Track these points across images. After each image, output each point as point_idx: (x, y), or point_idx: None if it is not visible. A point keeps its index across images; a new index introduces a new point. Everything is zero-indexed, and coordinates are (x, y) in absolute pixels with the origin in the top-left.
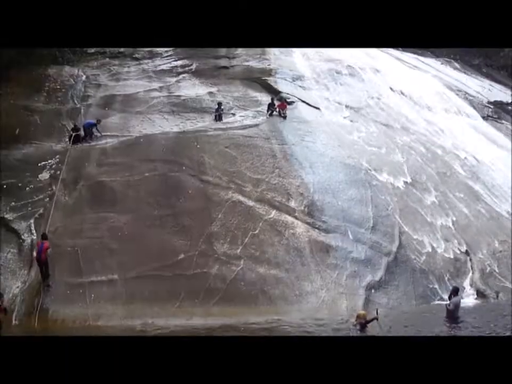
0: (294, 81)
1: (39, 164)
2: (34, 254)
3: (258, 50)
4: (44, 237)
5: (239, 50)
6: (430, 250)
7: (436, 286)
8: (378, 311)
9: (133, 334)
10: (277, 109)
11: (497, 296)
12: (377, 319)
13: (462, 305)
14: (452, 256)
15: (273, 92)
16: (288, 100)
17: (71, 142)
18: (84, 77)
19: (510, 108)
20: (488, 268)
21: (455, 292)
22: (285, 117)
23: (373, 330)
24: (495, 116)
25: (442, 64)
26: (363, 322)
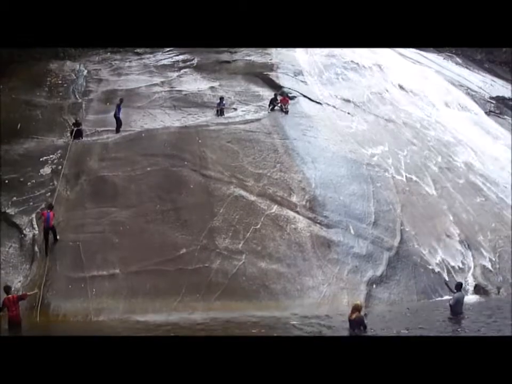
0: (295, 76)
1: (41, 159)
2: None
3: None
4: (50, 207)
5: None
6: (432, 245)
7: (437, 282)
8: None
9: (134, 329)
10: (279, 104)
11: (499, 292)
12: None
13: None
14: (453, 252)
15: (275, 86)
16: (290, 95)
17: (72, 137)
18: (85, 72)
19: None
20: (490, 263)
21: (458, 287)
22: (286, 112)
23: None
24: (497, 111)
25: (444, 59)
26: (357, 319)
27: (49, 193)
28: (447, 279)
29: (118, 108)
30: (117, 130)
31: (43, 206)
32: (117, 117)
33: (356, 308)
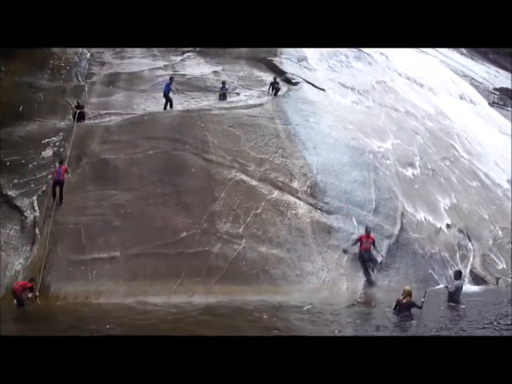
0: (299, 61)
1: (43, 141)
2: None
3: None
4: (61, 162)
5: None
6: (432, 234)
7: (437, 270)
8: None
9: (133, 311)
10: None
11: (497, 283)
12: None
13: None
14: (453, 241)
15: (278, 72)
16: (293, 81)
17: (75, 120)
18: (88, 55)
19: None
20: (489, 254)
21: (458, 275)
22: None
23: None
24: (501, 103)
25: (449, 49)
26: (407, 303)
27: (50, 176)
28: (446, 268)
29: (167, 85)
30: (165, 107)
31: (44, 188)
32: (166, 95)
33: (408, 293)
